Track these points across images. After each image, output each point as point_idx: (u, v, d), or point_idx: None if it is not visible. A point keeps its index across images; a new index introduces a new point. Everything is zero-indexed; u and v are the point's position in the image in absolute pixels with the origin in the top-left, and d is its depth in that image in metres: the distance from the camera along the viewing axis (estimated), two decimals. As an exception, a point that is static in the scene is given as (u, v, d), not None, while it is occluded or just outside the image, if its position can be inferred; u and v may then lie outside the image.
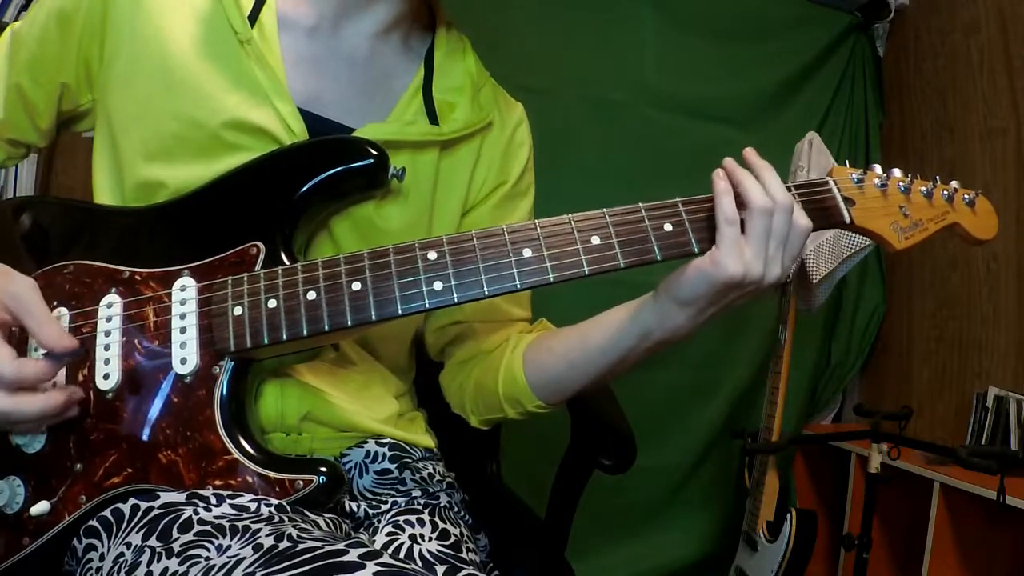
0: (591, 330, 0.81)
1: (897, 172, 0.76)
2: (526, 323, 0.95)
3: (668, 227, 0.70)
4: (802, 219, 0.70)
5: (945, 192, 0.76)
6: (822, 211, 0.73)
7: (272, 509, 0.64)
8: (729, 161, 0.72)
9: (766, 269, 0.69)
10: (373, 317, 0.68)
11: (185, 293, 0.71)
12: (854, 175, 0.74)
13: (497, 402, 0.87)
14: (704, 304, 0.71)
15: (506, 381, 0.86)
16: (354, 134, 0.78)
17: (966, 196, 0.77)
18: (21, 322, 0.65)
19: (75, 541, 0.67)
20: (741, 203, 0.69)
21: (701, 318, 0.73)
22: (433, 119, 0.84)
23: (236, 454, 0.68)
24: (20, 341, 0.70)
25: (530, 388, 0.84)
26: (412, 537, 0.75)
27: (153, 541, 0.61)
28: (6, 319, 0.65)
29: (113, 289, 0.72)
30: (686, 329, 0.74)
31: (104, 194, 0.81)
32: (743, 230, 0.69)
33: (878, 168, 0.76)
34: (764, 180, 0.70)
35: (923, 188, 0.76)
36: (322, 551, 0.54)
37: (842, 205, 0.73)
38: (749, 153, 0.73)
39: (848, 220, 0.73)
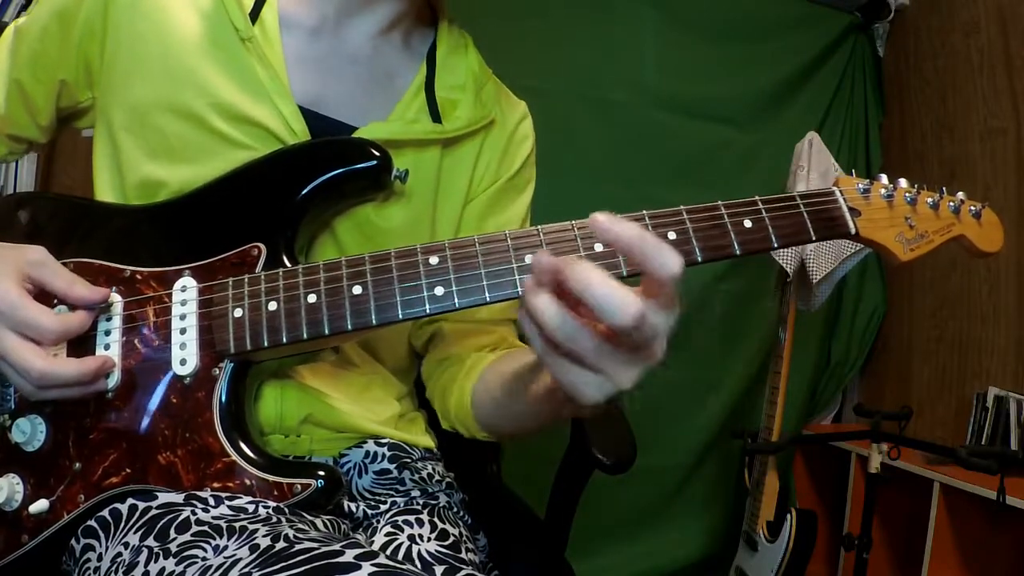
0: (517, 374, 0.71)
1: (903, 183, 0.75)
2: (507, 328, 0.91)
3: (672, 235, 0.70)
4: (672, 266, 0.46)
5: (951, 204, 0.76)
6: (828, 221, 0.72)
7: (270, 510, 0.65)
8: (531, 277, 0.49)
9: (621, 378, 0.50)
10: (374, 321, 0.68)
11: (186, 294, 0.71)
12: (860, 185, 0.74)
13: (449, 420, 0.86)
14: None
15: (456, 403, 0.84)
16: (356, 133, 0.78)
17: (972, 208, 0.76)
18: (47, 286, 0.67)
19: (73, 541, 0.67)
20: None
21: (614, 389, 0.51)
22: (436, 117, 0.84)
23: (235, 457, 0.68)
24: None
25: (474, 417, 0.82)
26: (411, 537, 0.75)
27: (151, 541, 0.61)
28: (30, 288, 0.67)
29: (114, 288, 0.72)
30: (605, 398, 0.51)
31: (105, 193, 0.81)
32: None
33: (884, 178, 0.75)
34: (594, 297, 0.45)
35: (929, 199, 0.75)
36: (318, 552, 0.54)
37: (848, 216, 0.72)
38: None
39: (854, 231, 0.72)
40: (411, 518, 0.78)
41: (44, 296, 0.67)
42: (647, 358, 0.50)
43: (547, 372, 0.57)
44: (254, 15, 0.78)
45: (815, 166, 1.95)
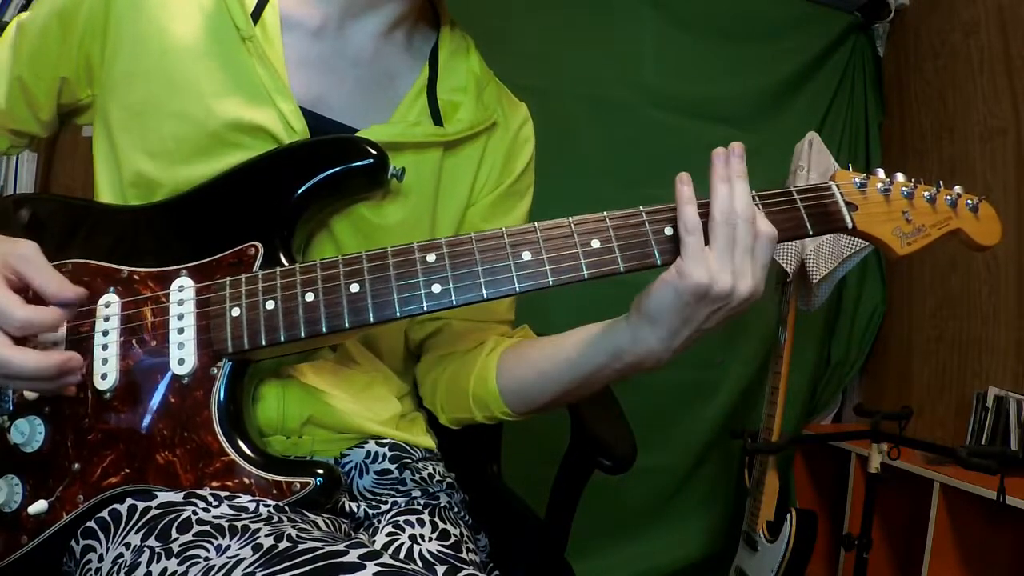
0: (564, 342, 0.79)
1: (900, 177, 0.75)
2: (508, 328, 0.94)
3: (668, 231, 0.70)
4: (765, 227, 0.68)
5: (948, 197, 0.76)
6: (824, 215, 0.72)
7: (271, 509, 0.65)
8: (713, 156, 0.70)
9: (735, 280, 0.66)
10: (371, 319, 0.68)
11: (183, 293, 0.71)
12: (857, 179, 0.74)
13: (466, 403, 0.86)
14: (674, 321, 0.68)
15: (477, 383, 0.84)
16: (357, 134, 0.78)
17: (969, 201, 0.76)
18: (27, 280, 0.66)
19: (73, 542, 0.67)
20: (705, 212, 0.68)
21: (676, 341, 0.69)
22: (437, 119, 0.84)
23: (233, 455, 0.68)
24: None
25: (499, 393, 0.83)
26: (412, 537, 0.75)
27: (152, 541, 0.61)
28: (12, 279, 0.66)
29: (111, 288, 0.72)
30: (659, 351, 0.70)
31: (104, 192, 0.81)
32: (707, 240, 0.67)
33: (881, 172, 0.75)
34: (733, 189, 0.68)
35: (926, 193, 0.75)
36: (322, 551, 0.54)
37: (844, 210, 0.73)
38: (734, 152, 0.70)
39: (850, 225, 0.73)
40: (412, 518, 0.78)
41: (30, 294, 0.67)
42: (751, 271, 0.67)
43: (619, 334, 0.72)
44: (256, 15, 0.78)
45: (815, 166, 1.95)
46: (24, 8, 1.64)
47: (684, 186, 0.68)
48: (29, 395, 0.70)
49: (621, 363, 0.73)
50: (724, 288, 0.66)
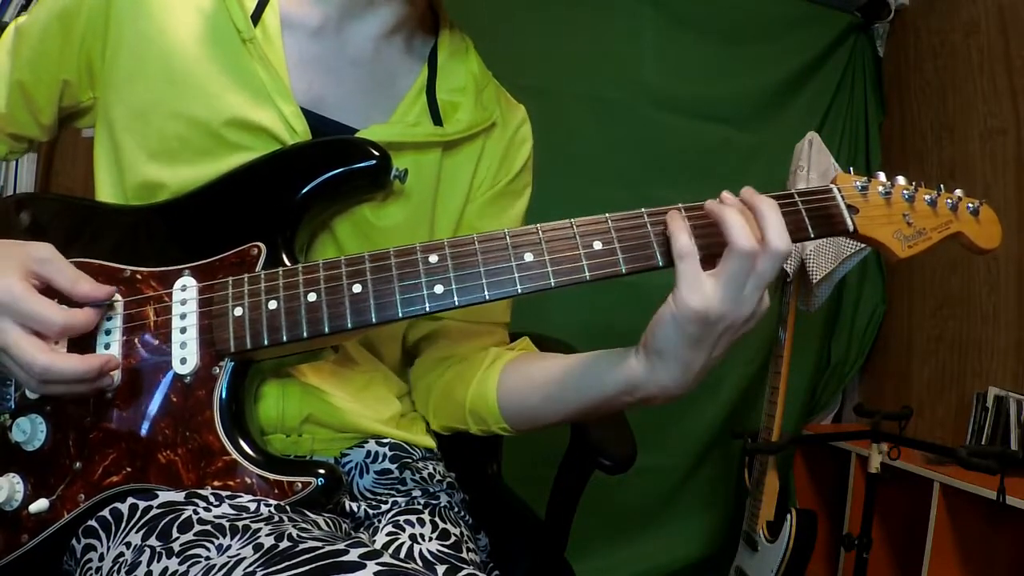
0: (574, 369, 0.77)
1: (901, 180, 0.75)
2: (504, 330, 0.94)
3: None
4: (785, 247, 0.66)
5: (949, 200, 0.76)
6: (825, 218, 0.72)
7: (272, 509, 0.65)
8: (725, 197, 0.68)
9: (735, 306, 0.65)
10: (373, 320, 0.68)
11: (186, 293, 0.71)
12: (858, 182, 0.74)
13: (461, 415, 0.85)
14: (683, 353, 0.67)
15: (475, 396, 0.84)
16: (357, 135, 0.78)
17: (970, 205, 0.76)
18: (52, 282, 0.67)
19: (74, 541, 0.67)
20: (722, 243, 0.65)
21: (689, 375, 0.68)
22: (436, 120, 0.84)
23: (235, 455, 0.68)
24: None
25: (500, 410, 0.82)
26: (412, 537, 0.75)
27: (153, 541, 0.61)
28: (36, 284, 0.66)
29: (114, 288, 0.72)
30: (673, 388, 0.69)
31: (105, 193, 0.81)
32: (715, 265, 0.65)
33: (882, 176, 0.75)
34: (767, 220, 0.65)
35: (927, 196, 0.75)
36: (322, 551, 0.54)
37: (846, 213, 0.73)
38: (747, 192, 0.68)
39: (852, 228, 0.72)
40: (412, 518, 0.78)
41: (50, 293, 0.67)
42: (760, 295, 0.66)
43: (632, 369, 0.71)
44: (256, 16, 0.78)
45: (815, 166, 1.95)
46: (24, 8, 1.64)
47: (677, 220, 0.67)
48: (31, 394, 0.70)
49: (633, 397, 0.73)
50: (721, 312, 0.64)
